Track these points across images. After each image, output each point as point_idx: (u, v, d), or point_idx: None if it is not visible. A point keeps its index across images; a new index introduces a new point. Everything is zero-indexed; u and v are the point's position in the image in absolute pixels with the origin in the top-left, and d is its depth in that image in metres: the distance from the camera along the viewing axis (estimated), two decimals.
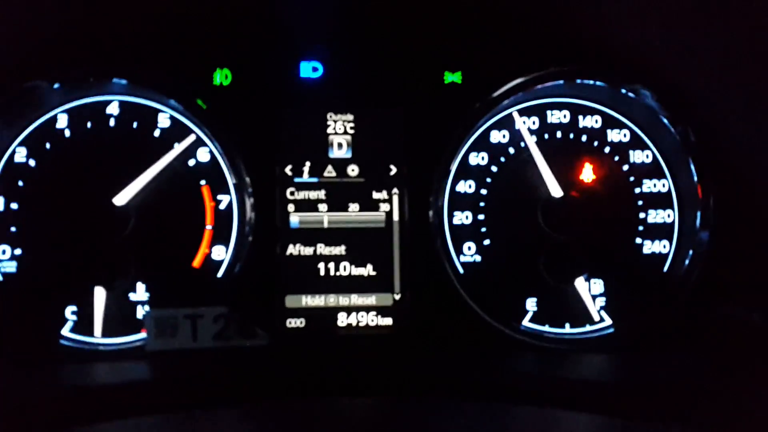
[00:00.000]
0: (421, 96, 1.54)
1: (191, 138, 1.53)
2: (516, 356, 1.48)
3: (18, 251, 1.49)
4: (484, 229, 1.57)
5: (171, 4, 1.48)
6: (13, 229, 1.49)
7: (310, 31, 1.56)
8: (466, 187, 1.57)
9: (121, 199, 1.49)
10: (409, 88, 1.54)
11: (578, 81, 1.54)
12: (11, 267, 1.49)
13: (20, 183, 1.50)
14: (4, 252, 1.49)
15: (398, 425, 1.17)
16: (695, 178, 1.54)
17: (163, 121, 1.54)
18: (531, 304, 1.56)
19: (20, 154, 1.51)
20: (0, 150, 1.50)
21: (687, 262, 1.55)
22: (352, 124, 1.54)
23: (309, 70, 1.55)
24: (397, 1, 1.50)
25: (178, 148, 1.52)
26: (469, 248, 1.57)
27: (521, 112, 1.58)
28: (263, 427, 1.18)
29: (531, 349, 1.50)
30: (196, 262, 1.52)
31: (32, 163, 1.51)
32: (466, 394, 1.27)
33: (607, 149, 1.59)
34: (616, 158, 1.59)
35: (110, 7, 1.47)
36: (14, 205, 1.49)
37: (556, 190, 1.54)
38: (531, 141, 1.56)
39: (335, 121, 1.54)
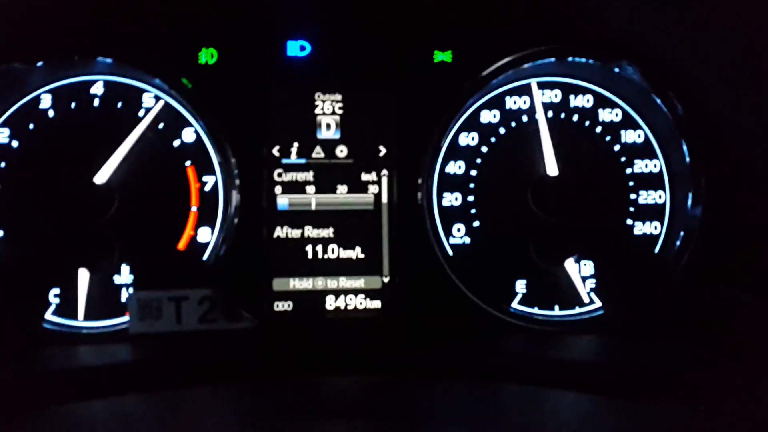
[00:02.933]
0: (411, 75, 1.52)
1: (160, 104, 1.50)
2: (505, 338, 1.47)
3: (0, 233, 1.47)
4: (473, 211, 1.55)
5: None
6: None
7: (297, 10, 1.53)
8: (455, 168, 1.55)
9: (101, 177, 1.46)
10: (399, 67, 1.52)
11: (569, 59, 1.52)
12: None
13: (2, 164, 1.48)
14: None
15: (386, 405, 1.16)
16: (687, 159, 1.52)
17: (148, 101, 1.51)
18: (520, 286, 1.55)
19: (2, 135, 1.48)
20: None
21: (678, 243, 1.54)
22: (340, 104, 1.52)
23: (296, 48, 1.52)
24: None
25: (149, 116, 1.49)
26: (459, 230, 1.55)
27: (511, 92, 1.56)
28: (248, 408, 1.17)
29: (520, 331, 1.49)
30: (181, 245, 1.50)
31: (15, 144, 1.48)
32: (454, 376, 1.26)
33: (598, 129, 1.58)
34: (608, 138, 1.57)
35: None
36: None
37: (552, 169, 1.52)
38: (542, 115, 1.53)
39: (323, 101, 1.52)
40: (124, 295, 1.48)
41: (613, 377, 1.25)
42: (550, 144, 1.53)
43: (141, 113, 1.51)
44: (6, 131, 1.48)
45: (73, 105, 1.50)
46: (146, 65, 1.48)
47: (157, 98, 1.51)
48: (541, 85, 1.57)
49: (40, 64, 1.45)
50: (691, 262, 1.52)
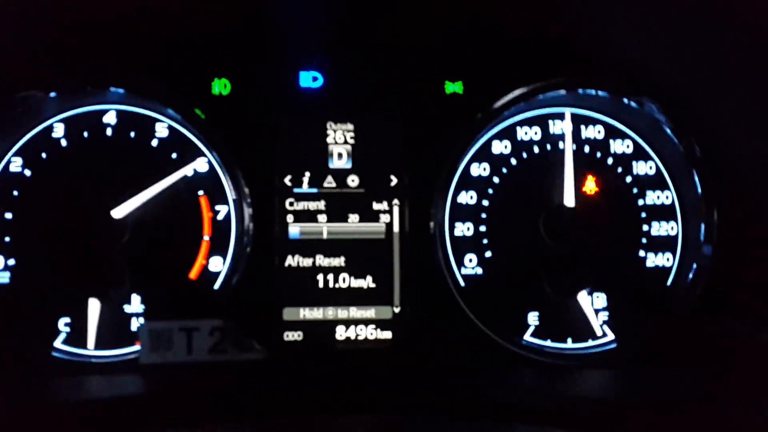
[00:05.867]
0: (422, 106, 1.52)
1: (202, 162, 1.51)
2: (517, 371, 1.45)
3: (11, 262, 1.47)
4: (485, 241, 1.55)
5: (169, 14, 1.46)
6: (7, 239, 1.47)
7: (309, 41, 1.55)
8: (467, 198, 1.55)
9: (119, 212, 1.47)
10: (410, 98, 1.53)
11: (580, 91, 1.53)
12: (4, 278, 1.46)
13: (15, 193, 1.48)
14: None
15: None
16: (699, 190, 1.53)
17: (161, 130, 1.52)
18: (533, 318, 1.54)
19: (15, 164, 1.49)
20: None
21: (691, 275, 1.53)
22: (352, 134, 1.53)
23: (309, 79, 1.53)
24: (397, 10, 1.48)
25: (186, 169, 1.50)
26: (471, 260, 1.54)
27: (523, 123, 1.57)
28: None
29: (532, 364, 1.47)
30: (193, 274, 1.50)
31: (28, 172, 1.49)
32: (465, 409, 1.24)
33: (609, 160, 1.58)
34: (619, 169, 1.58)
35: (108, 16, 1.45)
36: (8, 215, 1.47)
37: (570, 199, 1.52)
38: (569, 144, 1.54)
39: (335, 131, 1.53)
40: (135, 324, 1.47)
41: (625, 413, 1.23)
42: (572, 174, 1.52)
43: (154, 143, 1.51)
44: (19, 160, 1.49)
45: (85, 134, 1.51)
46: (159, 95, 1.49)
47: (172, 129, 1.52)
48: (552, 116, 1.57)
49: (53, 94, 1.46)
50: (703, 294, 1.51)
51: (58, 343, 1.46)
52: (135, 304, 1.48)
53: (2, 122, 1.46)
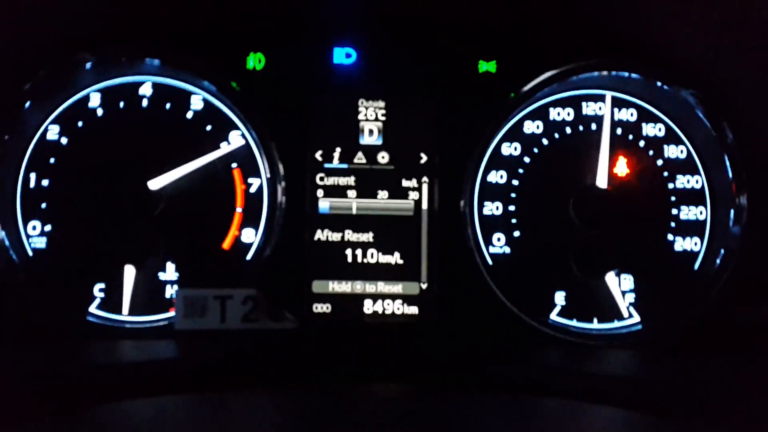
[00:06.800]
0: (455, 84, 1.53)
1: (236, 135, 1.53)
2: (542, 350, 1.46)
3: (48, 227, 1.50)
4: (514, 221, 1.55)
5: None
6: (43, 205, 1.50)
7: (344, 17, 1.55)
8: (497, 177, 1.56)
9: (156, 184, 1.49)
10: (443, 76, 1.53)
11: (614, 73, 1.53)
12: (41, 243, 1.49)
13: (52, 160, 1.51)
14: (34, 228, 1.50)
15: (420, 413, 1.16)
16: (729, 176, 1.52)
17: (197, 103, 1.54)
18: (560, 297, 1.54)
19: (52, 132, 1.51)
20: (33, 127, 1.51)
21: (718, 260, 1.53)
22: (383, 111, 1.54)
23: (342, 56, 1.54)
24: None
25: (225, 149, 1.52)
26: (499, 239, 1.55)
27: (555, 103, 1.57)
28: (286, 411, 1.17)
29: (558, 343, 1.48)
30: (226, 244, 1.52)
31: (64, 140, 1.51)
32: (489, 385, 1.26)
33: (641, 143, 1.58)
34: (651, 152, 1.58)
35: None
36: (45, 182, 1.50)
37: (603, 181, 1.53)
38: (607, 127, 1.54)
39: (367, 108, 1.54)
40: (169, 291, 1.50)
41: (649, 393, 1.24)
42: (607, 156, 1.53)
43: (189, 115, 1.53)
44: (56, 128, 1.51)
45: (121, 104, 1.53)
46: (195, 68, 1.50)
47: (206, 102, 1.53)
48: (586, 98, 1.57)
49: (89, 64, 1.48)
50: (730, 279, 1.51)
51: (93, 308, 1.49)
52: (169, 272, 1.50)
53: (40, 91, 1.48)
